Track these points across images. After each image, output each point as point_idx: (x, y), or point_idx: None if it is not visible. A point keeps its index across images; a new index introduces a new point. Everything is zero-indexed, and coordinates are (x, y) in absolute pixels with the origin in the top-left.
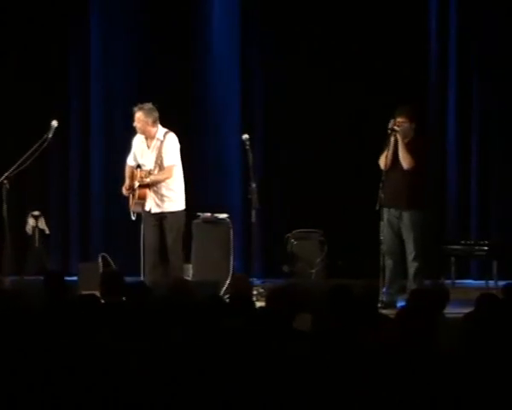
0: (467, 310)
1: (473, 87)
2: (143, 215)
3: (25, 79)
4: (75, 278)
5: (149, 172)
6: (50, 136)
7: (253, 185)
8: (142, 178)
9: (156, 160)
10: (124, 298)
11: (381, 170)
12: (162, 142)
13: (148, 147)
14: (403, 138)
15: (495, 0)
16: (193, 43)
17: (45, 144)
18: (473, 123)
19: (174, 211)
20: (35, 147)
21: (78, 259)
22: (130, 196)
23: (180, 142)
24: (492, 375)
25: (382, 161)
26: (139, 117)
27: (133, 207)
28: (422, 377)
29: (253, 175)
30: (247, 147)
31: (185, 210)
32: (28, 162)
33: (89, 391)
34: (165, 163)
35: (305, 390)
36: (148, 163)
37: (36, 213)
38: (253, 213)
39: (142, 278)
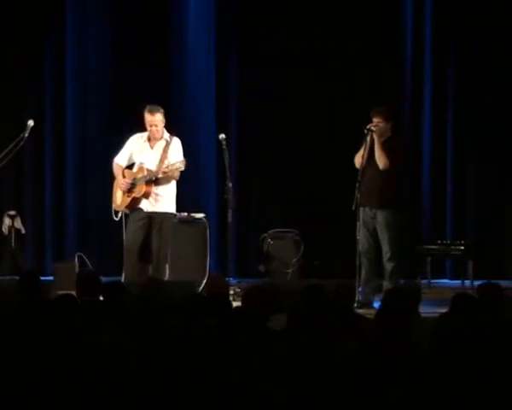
0: (442, 310)
1: (448, 87)
2: (131, 214)
3: (0, 78)
4: (51, 277)
5: (155, 173)
6: (26, 135)
7: (230, 185)
8: (148, 177)
9: (160, 160)
10: (100, 298)
11: (358, 170)
12: (169, 143)
13: (152, 147)
14: (379, 138)
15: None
16: (168, 43)
17: (21, 143)
18: (448, 123)
19: (166, 212)
20: (11, 146)
21: (53, 258)
22: (121, 194)
23: None
24: (466, 374)
25: (358, 160)
26: (159, 118)
27: (125, 205)
28: (397, 377)
29: (229, 175)
30: (224, 147)
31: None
32: (4, 162)
33: (64, 390)
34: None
35: (279, 390)
36: (149, 163)
37: (12, 212)
38: (230, 212)
39: (122, 277)
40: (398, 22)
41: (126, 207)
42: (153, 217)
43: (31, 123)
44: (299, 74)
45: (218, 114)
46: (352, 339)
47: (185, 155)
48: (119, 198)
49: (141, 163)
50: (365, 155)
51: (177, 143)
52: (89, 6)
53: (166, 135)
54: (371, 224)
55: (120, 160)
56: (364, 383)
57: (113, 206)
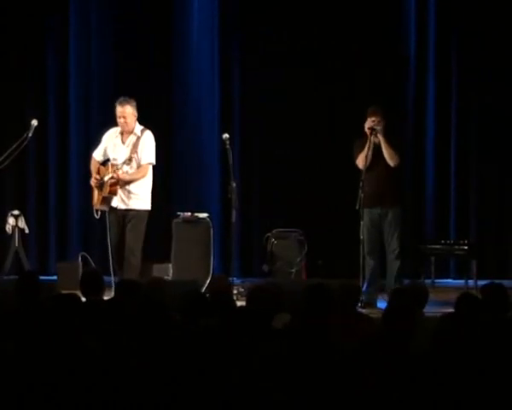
0: (446, 310)
1: (451, 88)
2: (109, 213)
3: (2, 78)
4: (54, 277)
5: (115, 170)
6: (30, 135)
7: (233, 185)
8: (112, 173)
9: (130, 155)
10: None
11: (360, 170)
12: (139, 138)
13: (123, 142)
14: (384, 137)
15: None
16: (172, 44)
17: (25, 143)
18: (452, 122)
19: (139, 209)
20: (14, 146)
21: (56, 258)
22: (96, 192)
23: (160, 141)
24: (468, 375)
25: (361, 162)
26: (128, 111)
27: (99, 203)
28: (398, 377)
29: (232, 174)
30: (227, 146)
31: (150, 211)
32: (8, 161)
33: (64, 391)
34: (143, 161)
35: (279, 390)
36: (120, 158)
37: (16, 212)
38: (233, 212)
39: (112, 277)
40: (400, 22)
41: (101, 205)
42: (126, 215)
43: (34, 123)
44: (301, 75)
45: (222, 114)
46: (353, 339)
47: (189, 155)
48: (95, 196)
49: (113, 159)
50: (369, 156)
51: (148, 137)
52: (91, 6)
53: (138, 129)
54: (378, 223)
55: (97, 155)
56: (365, 382)
57: (93, 204)
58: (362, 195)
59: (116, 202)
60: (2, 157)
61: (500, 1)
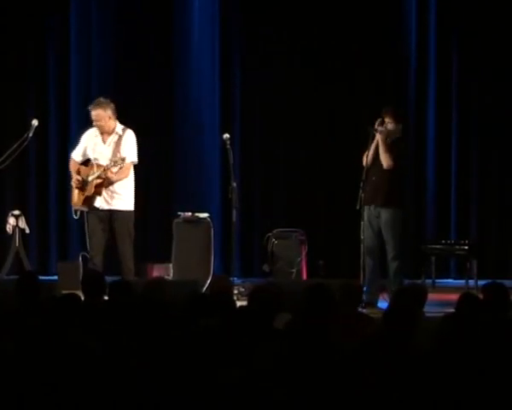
0: (446, 310)
1: (452, 88)
2: (89, 213)
3: (3, 78)
4: (55, 277)
5: (105, 169)
6: (31, 135)
7: (234, 185)
8: (98, 173)
9: (113, 155)
10: (106, 298)
11: (362, 169)
12: (121, 137)
13: (104, 142)
14: (385, 138)
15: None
16: (172, 44)
17: (26, 143)
18: (452, 122)
19: (123, 210)
20: (15, 146)
21: (57, 258)
22: (77, 192)
23: (161, 142)
24: (470, 375)
25: (364, 159)
26: (99, 113)
27: (81, 203)
28: (399, 377)
29: (233, 174)
30: (228, 146)
31: (134, 211)
32: (8, 161)
33: (64, 391)
34: (126, 160)
35: (282, 389)
36: (102, 158)
37: (16, 212)
38: (234, 212)
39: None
40: (400, 22)
41: (82, 205)
42: (110, 216)
43: (35, 123)
44: (301, 75)
45: (222, 114)
46: (354, 339)
47: (190, 155)
48: (75, 196)
49: (94, 159)
50: (370, 155)
51: (130, 136)
52: (92, 6)
53: (119, 128)
54: (376, 223)
55: (76, 155)
56: (365, 382)
57: (72, 204)
58: (362, 195)
59: (99, 203)
60: (3, 157)
61: (500, 1)
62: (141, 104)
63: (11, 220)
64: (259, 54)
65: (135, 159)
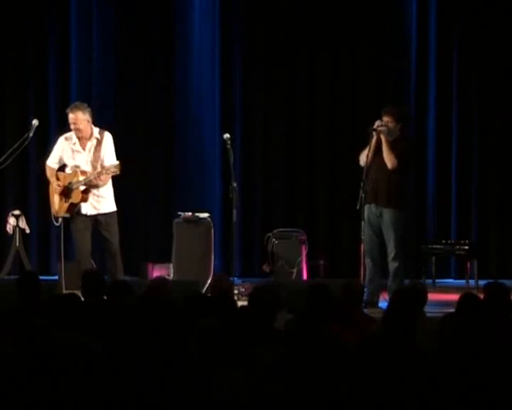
0: (447, 309)
1: (452, 89)
2: (74, 218)
3: (3, 78)
4: (55, 277)
5: (95, 177)
6: (31, 135)
7: (234, 185)
8: (83, 180)
9: (94, 160)
10: (105, 297)
11: (362, 169)
12: (100, 141)
13: (83, 148)
14: (386, 138)
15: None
16: (173, 44)
17: (26, 143)
18: (453, 123)
19: (110, 212)
20: (16, 146)
21: (57, 258)
22: (58, 199)
23: (161, 142)
24: (471, 375)
25: (362, 159)
26: (79, 117)
27: (64, 211)
28: (400, 377)
29: (233, 174)
30: (228, 146)
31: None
32: (9, 161)
33: (64, 391)
34: (107, 163)
35: (283, 389)
36: (84, 165)
37: (17, 212)
38: (234, 212)
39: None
40: (401, 22)
41: (66, 212)
42: (96, 219)
43: (35, 123)
44: (302, 75)
45: (223, 114)
46: (355, 339)
47: (190, 154)
48: (56, 203)
49: (75, 166)
50: (370, 155)
51: (108, 140)
52: (92, 6)
53: (96, 132)
54: (376, 222)
55: (51, 162)
56: (366, 382)
57: (52, 211)
58: (363, 195)
59: (85, 209)
60: (3, 157)
61: (500, 1)
62: (141, 104)
63: (11, 220)
64: (259, 54)
65: (115, 162)
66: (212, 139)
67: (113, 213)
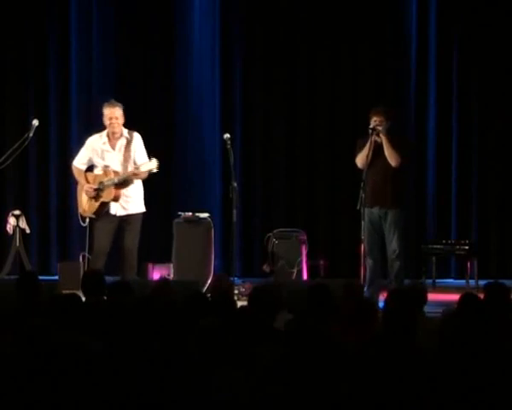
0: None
1: (453, 88)
2: (102, 219)
3: (3, 78)
4: (55, 277)
5: (118, 173)
6: (31, 135)
7: (234, 185)
8: (116, 179)
9: (125, 160)
10: (105, 297)
11: (361, 170)
12: (130, 141)
13: (113, 148)
14: (387, 136)
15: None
16: (174, 45)
17: (26, 143)
18: (453, 122)
19: (138, 213)
20: (16, 146)
21: (57, 258)
22: (86, 199)
23: (161, 142)
24: (471, 375)
25: (360, 161)
26: (119, 113)
27: (93, 210)
28: (400, 377)
29: (234, 174)
30: (229, 146)
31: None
32: (9, 161)
33: (64, 391)
34: (141, 162)
35: (283, 389)
36: (113, 164)
37: (17, 212)
38: (234, 212)
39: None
40: (401, 22)
41: (94, 212)
42: (123, 219)
43: (35, 123)
44: (302, 75)
45: (223, 114)
46: (355, 339)
47: (190, 154)
48: (85, 203)
49: (105, 166)
50: (370, 155)
51: (138, 140)
52: (92, 6)
53: (125, 132)
54: (378, 224)
55: (79, 163)
56: (366, 382)
57: (80, 211)
58: (363, 195)
59: (115, 209)
60: (4, 157)
61: (500, 1)
62: (141, 104)
63: (12, 220)
64: (259, 54)
65: (153, 159)
66: (212, 139)
67: (140, 214)
